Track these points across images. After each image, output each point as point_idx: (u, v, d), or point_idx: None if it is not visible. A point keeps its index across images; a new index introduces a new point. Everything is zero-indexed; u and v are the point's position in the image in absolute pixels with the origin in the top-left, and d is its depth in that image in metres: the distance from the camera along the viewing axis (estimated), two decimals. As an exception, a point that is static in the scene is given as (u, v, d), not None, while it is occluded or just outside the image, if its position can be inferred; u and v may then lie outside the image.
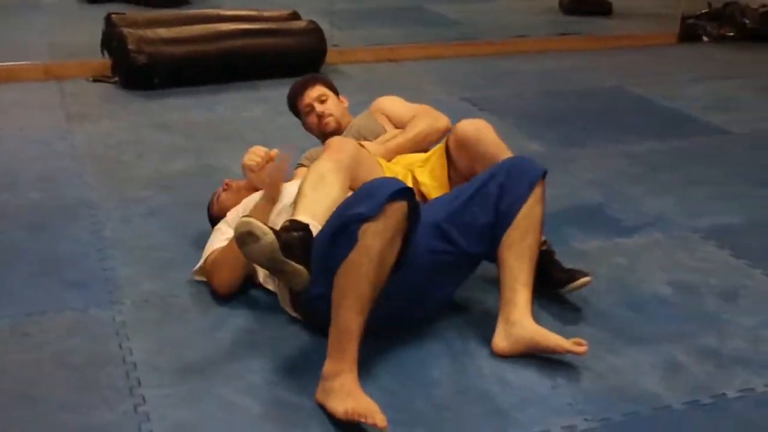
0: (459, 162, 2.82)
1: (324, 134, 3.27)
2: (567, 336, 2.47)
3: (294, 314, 2.55)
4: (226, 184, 3.02)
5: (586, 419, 2.18)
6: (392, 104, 3.35)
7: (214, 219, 3.00)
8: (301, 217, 2.38)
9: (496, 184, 2.50)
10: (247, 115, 4.72)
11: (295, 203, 2.52)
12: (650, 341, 2.53)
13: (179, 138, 4.33)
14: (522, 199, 2.48)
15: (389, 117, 3.30)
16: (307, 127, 3.41)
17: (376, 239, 2.17)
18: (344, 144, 2.69)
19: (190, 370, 2.36)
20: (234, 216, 2.82)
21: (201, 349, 2.46)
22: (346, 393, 2.10)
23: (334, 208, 2.48)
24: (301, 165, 3.16)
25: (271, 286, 2.66)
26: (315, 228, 2.35)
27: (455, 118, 3.07)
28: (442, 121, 3.18)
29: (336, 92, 3.40)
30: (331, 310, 2.19)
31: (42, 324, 2.59)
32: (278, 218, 2.63)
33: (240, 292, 2.73)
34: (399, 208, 2.23)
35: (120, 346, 2.47)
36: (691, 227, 3.32)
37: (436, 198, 2.65)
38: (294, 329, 2.55)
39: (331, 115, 3.29)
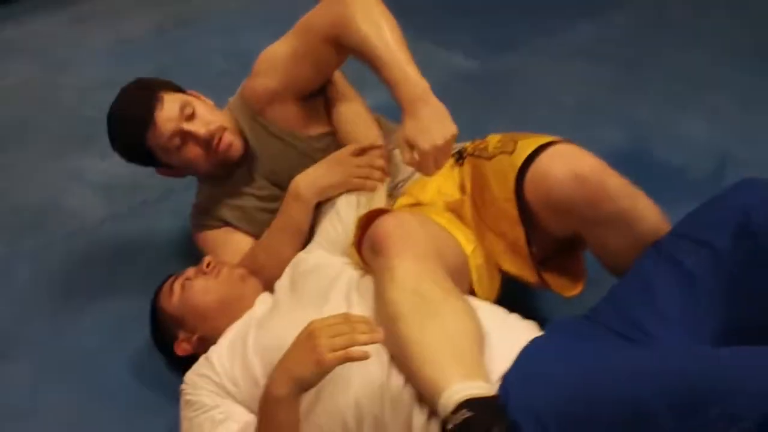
0: (549, 224, 1.68)
1: (224, 164, 1.95)
2: None
3: None
4: (208, 265, 1.77)
5: None
6: (273, 55, 1.92)
7: (167, 334, 1.79)
8: (460, 387, 1.31)
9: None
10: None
11: (407, 360, 1.40)
12: None
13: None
14: None
15: (291, 74, 1.90)
16: (183, 168, 1.98)
17: None
18: (405, 226, 1.54)
19: None
20: (233, 357, 1.61)
21: None
22: None
23: (478, 344, 1.42)
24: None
25: None
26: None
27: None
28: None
29: (184, 92, 2.00)
30: None
31: None
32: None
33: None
34: None
35: None
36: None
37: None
38: None
39: (223, 128, 1.91)
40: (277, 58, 1.90)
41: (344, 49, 1.81)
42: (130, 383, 1.89)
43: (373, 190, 1.76)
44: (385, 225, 1.53)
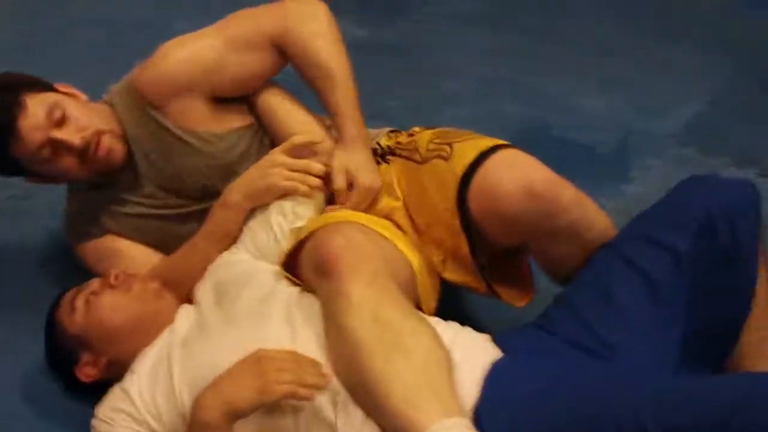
0: (493, 234, 1.55)
1: (104, 171, 1.70)
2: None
3: None
4: (116, 277, 1.55)
5: None
6: (196, 50, 1.68)
7: (67, 356, 1.57)
8: (439, 428, 1.22)
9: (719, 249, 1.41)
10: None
11: (372, 394, 1.28)
12: None
13: None
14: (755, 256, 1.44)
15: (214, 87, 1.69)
16: (57, 177, 1.72)
17: None
18: (354, 245, 1.41)
19: None
20: (155, 384, 1.44)
21: None
22: None
23: (447, 371, 1.32)
24: None
25: None
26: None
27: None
28: (319, 12, 1.69)
29: (52, 88, 1.70)
30: None
31: None
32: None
33: None
34: None
35: None
36: (678, 139, 2.43)
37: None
38: None
39: (102, 132, 1.65)
40: (201, 55, 1.67)
41: (288, 59, 1.70)
42: (24, 414, 1.64)
43: (307, 196, 1.59)
44: (333, 244, 1.37)
